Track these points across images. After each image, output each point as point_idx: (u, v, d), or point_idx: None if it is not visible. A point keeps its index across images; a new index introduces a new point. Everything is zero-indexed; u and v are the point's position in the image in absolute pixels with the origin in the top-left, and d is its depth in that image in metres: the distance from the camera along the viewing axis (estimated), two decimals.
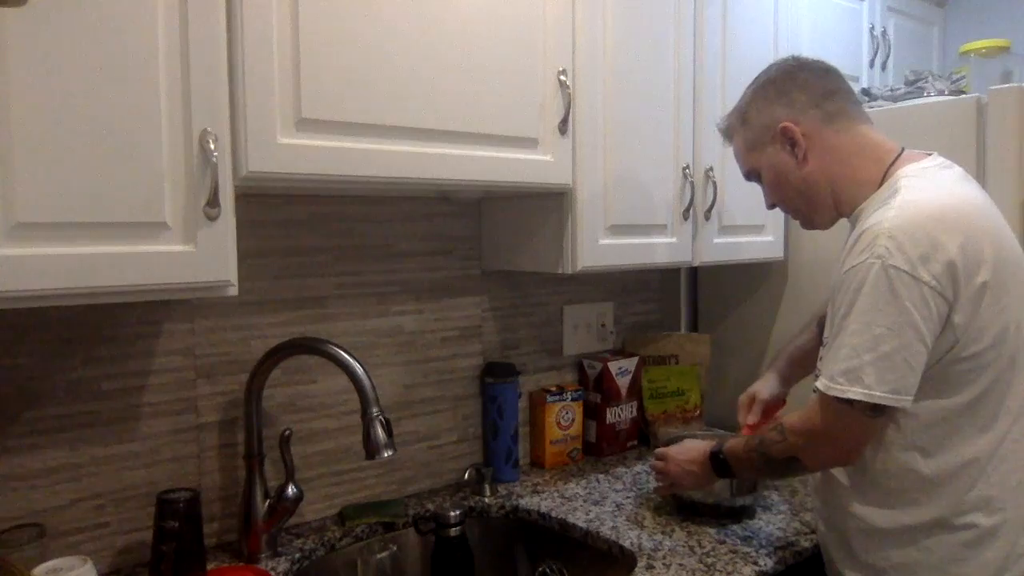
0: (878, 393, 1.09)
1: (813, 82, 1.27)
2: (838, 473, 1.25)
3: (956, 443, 1.15)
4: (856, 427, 1.15)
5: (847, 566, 1.26)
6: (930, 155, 1.24)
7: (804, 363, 1.53)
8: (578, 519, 1.55)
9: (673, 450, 1.48)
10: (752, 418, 1.51)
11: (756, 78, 1.35)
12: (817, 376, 1.28)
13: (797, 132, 1.26)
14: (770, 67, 1.34)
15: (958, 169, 1.23)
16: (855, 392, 1.10)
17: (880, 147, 1.25)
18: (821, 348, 1.29)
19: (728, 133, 1.39)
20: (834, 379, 1.12)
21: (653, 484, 1.73)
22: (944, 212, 1.12)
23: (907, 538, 1.18)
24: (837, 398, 1.12)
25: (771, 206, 1.38)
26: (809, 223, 1.34)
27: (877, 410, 1.12)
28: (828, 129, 1.25)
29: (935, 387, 1.13)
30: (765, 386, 1.53)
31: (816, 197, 1.28)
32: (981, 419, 1.15)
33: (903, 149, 1.25)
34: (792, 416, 1.23)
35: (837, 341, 1.13)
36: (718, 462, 1.36)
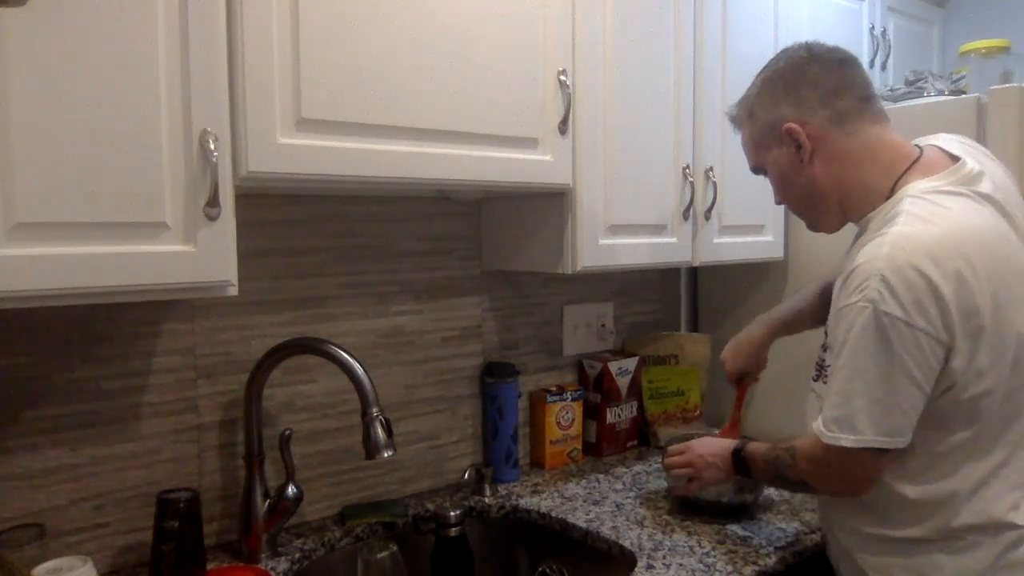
0: (870, 437, 1.07)
1: (824, 77, 1.19)
2: None
3: (946, 472, 1.12)
4: (859, 466, 1.12)
5: (835, 555, 1.28)
6: (957, 160, 1.16)
7: (796, 329, 1.52)
8: (578, 519, 1.55)
9: (694, 443, 1.48)
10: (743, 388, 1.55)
11: (766, 66, 1.27)
12: (818, 375, 1.28)
13: (802, 134, 1.19)
14: (780, 55, 1.26)
15: (983, 186, 1.13)
16: (847, 440, 1.08)
17: (894, 152, 1.19)
18: (824, 337, 1.27)
19: (736, 123, 1.34)
20: (827, 426, 1.11)
21: (653, 484, 1.74)
22: (939, 250, 1.04)
23: (890, 547, 1.17)
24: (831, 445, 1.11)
25: (779, 202, 1.34)
26: (814, 226, 1.30)
27: (878, 451, 1.09)
28: (838, 131, 1.18)
29: (933, 424, 1.10)
30: (747, 357, 1.54)
31: (821, 201, 1.23)
32: (975, 451, 1.12)
33: (922, 152, 1.19)
34: (804, 443, 1.20)
35: (830, 385, 1.11)
36: (739, 460, 1.36)
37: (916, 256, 1.04)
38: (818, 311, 1.48)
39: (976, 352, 1.06)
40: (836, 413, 1.09)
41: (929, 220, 1.08)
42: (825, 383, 1.19)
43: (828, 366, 1.20)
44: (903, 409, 1.07)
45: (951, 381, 1.07)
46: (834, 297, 1.14)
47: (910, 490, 1.14)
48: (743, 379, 1.57)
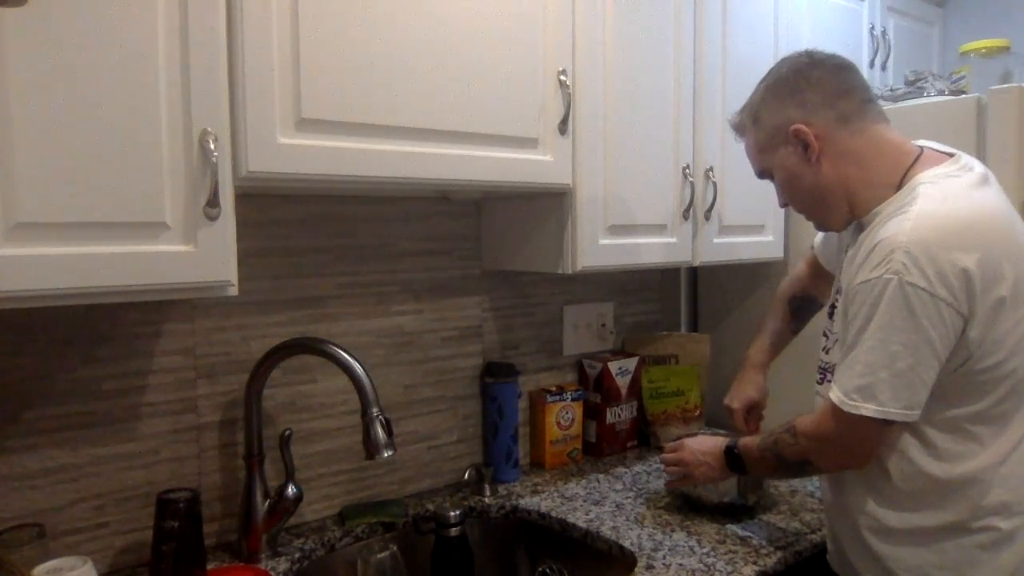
0: (892, 410, 1.10)
1: (827, 80, 1.23)
2: (852, 472, 1.24)
3: (972, 449, 1.14)
4: (867, 437, 1.15)
5: (859, 561, 1.26)
6: (952, 155, 1.21)
7: (779, 350, 1.59)
8: (578, 519, 1.55)
9: (689, 440, 1.50)
10: (753, 425, 1.53)
11: (768, 73, 1.30)
12: (823, 379, 1.28)
13: (810, 134, 1.22)
14: (782, 62, 1.29)
15: (979, 171, 1.20)
16: (868, 409, 1.11)
17: (898, 149, 1.22)
18: (823, 340, 1.29)
19: (740, 130, 1.35)
20: (848, 395, 1.12)
21: (653, 484, 1.74)
22: (962, 225, 1.10)
23: (920, 539, 1.18)
24: (851, 413, 1.12)
25: (783, 204, 1.36)
26: (822, 225, 1.33)
27: (889, 422, 1.12)
28: (843, 131, 1.22)
29: (950, 397, 1.13)
30: (756, 389, 1.54)
31: (830, 200, 1.25)
32: (997, 425, 1.14)
33: (923, 150, 1.22)
34: (805, 419, 1.23)
35: (852, 356, 1.13)
36: (732, 457, 1.37)
37: (938, 230, 1.09)
38: (793, 324, 1.58)
39: (995, 323, 1.10)
40: (860, 382, 1.11)
41: (947, 199, 1.13)
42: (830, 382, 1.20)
43: (834, 344, 1.23)
44: (924, 381, 1.10)
45: (967, 353, 1.10)
46: (850, 275, 1.17)
47: (939, 470, 1.15)
48: (752, 412, 1.55)
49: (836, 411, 1.15)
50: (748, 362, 1.58)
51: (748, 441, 1.35)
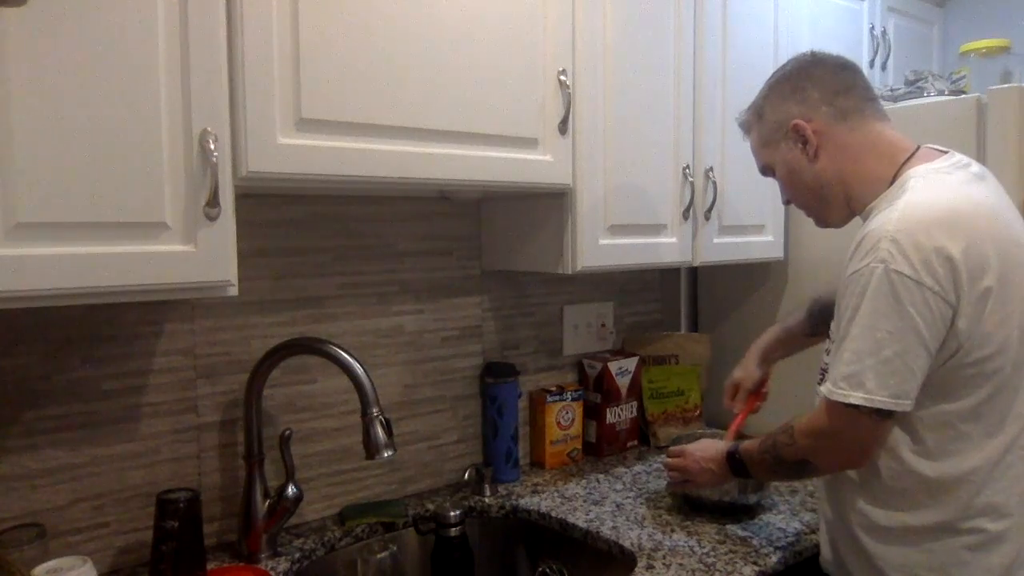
0: (879, 397, 1.10)
1: (827, 78, 1.26)
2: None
3: (962, 448, 1.14)
4: (862, 430, 1.14)
5: (850, 559, 1.26)
6: (946, 153, 1.23)
7: (788, 345, 1.58)
8: (578, 519, 1.55)
9: (691, 447, 1.49)
10: (739, 406, 1.56)
11: (774, 73, 1.34)
12: (821, 379, 1.28)
13: (808, 129, 1.25)
14: (788, 62, 1.33)
15: (974, 168, 1.21)
16: (856, 397, 1.11)
17: (894, 145, 1.24)
18: (826, 342, 1.30)
19: (746, 128, 1.39)
20: (836, 384, 1.13)
21: (653, 484, 1.74)
22: (948, 215, 1.11)
23: (910, 539, 1.18)
24: (841, 403, 1.12)
25: (787, 202, 1.38)
26: (823, 221, 1.34)
27: (882, 414, 1.11)
28: (840, 126, 1.24)
29: (940, 391, 1.13)
30: (747, 375, 1.57)
31: (827, 195, 1.27)
32: (988, 424, 1.14)
33: (919, 147, 1.24)
34: (802, 419, 1.23)
35: (842, 346, 1.13)
36: (734, 462, 1.37)
37: (925, 220, 1.10)
38: (806, 324, 1.55)
39: (982, 314, 1.10)
40: (846, 370, 1.12)
41: (934, 191, 1.15)
42: None
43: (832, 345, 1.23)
44: (911, 369, 1.09)
45: (956, 344, 1.10)
46: (845, 268, 1.18)
47: (928, 468, 1.15)
48: (739, 393, 1.58)
49: (827, 404, 1.15)
50: (755, 344, 1.61)
51: (749, 445, 1.35)
